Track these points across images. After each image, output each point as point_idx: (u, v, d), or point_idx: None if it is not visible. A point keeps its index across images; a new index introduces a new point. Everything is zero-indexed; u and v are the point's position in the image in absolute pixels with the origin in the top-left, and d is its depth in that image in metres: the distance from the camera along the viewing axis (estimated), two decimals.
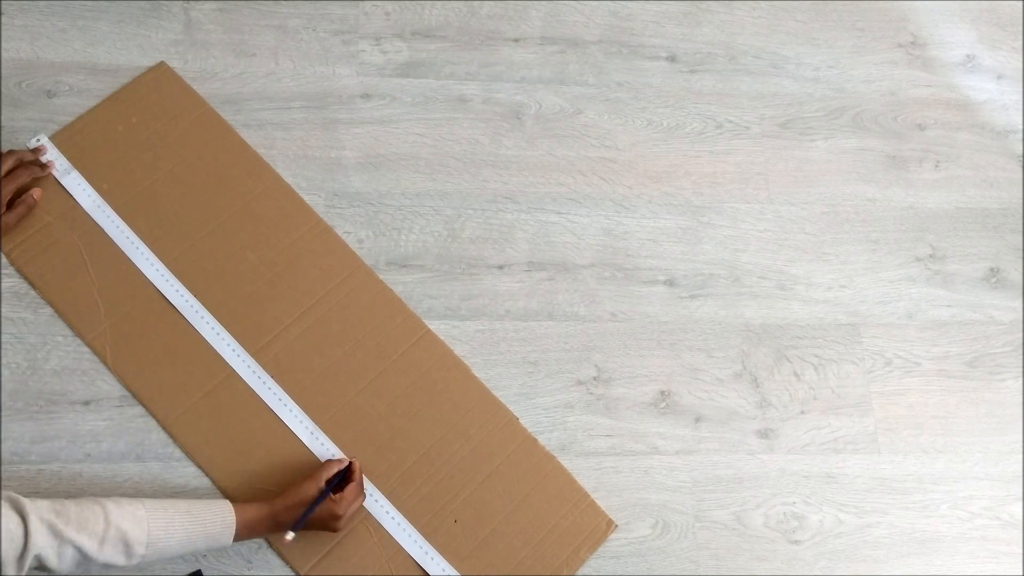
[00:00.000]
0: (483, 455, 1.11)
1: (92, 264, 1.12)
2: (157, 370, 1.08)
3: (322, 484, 0.99)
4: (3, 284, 1.11)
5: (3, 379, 1.07)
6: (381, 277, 1.18)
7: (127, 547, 0.86)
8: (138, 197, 1.15)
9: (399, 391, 1.12)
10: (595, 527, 1.10)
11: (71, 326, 1.09)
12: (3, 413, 1.06)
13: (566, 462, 1.14)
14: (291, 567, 1.04)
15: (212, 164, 1.18)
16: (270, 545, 1.04)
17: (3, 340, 1.08)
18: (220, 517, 0.93)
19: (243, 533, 0.95)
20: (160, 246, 1.14)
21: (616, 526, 1.11)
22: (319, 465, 1.04)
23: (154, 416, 1.07)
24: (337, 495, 0.99)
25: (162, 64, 1.22)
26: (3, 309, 1.10)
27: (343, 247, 1.18)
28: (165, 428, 1.07)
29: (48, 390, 1.07)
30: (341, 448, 1.08)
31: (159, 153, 1.18)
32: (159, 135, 1.19)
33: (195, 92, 1.21)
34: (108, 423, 1.07)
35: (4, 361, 1.08)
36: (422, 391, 1.12)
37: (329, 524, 0.99)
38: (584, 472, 1.13)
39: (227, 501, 0.96)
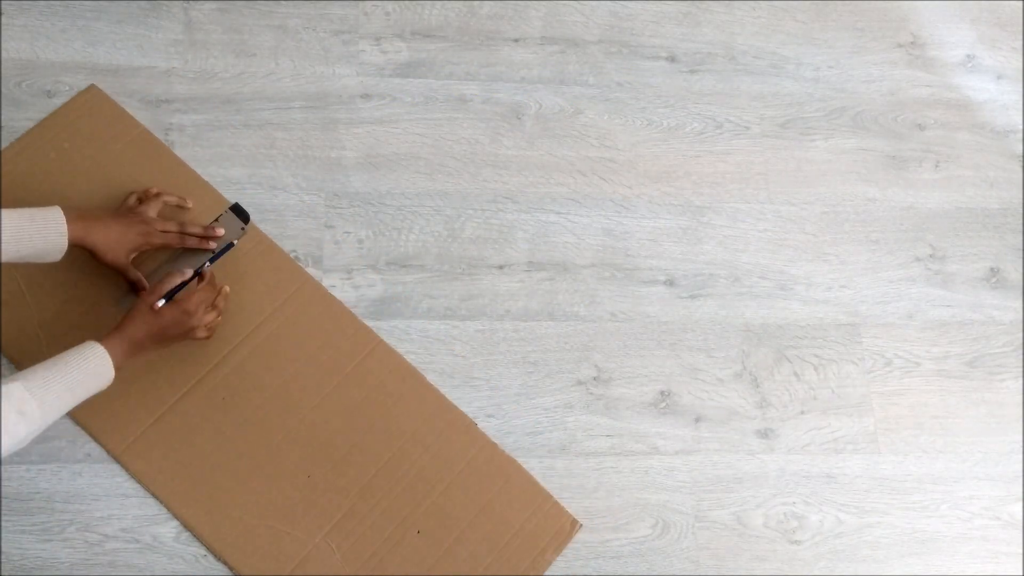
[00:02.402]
0: (443, 463, 1.10)
1: (31, 295, 1.09)
2: (104, 398, 1.03)
3: (162, 292, 1.01)
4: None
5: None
6: (384, 275, 1.18)
7: (21, 416, 0.87)
8: None
9: (354, 404, 1.11)
10: (560, 528, 1.10)
11: (11, 360, 1.06)
12: None
13: (566, 462, 1.14)
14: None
15: (149, 185, 1.15)
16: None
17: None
18: (91, 353, 0.94)
19: (119, 357, 0.97)
20: (101, 272, 1.08)
21: (580, 526, 1.10)
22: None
23: (104, 447, 1.05)
24: (185, 298, 1.02)
25: (92, 87, 1.20)
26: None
27: (289, 262, 1.16)
28: (116, 459, 1.05)
29: None
30: (299, 466, 1.08)
31: (94, 177, 1.15)
32: (93, 159, 1.16)
33: (128, 114, 1.19)
34: None
35: (4, 361, 1.08)
36: (377, 403, 1.11)
37: (184, 324, 1.01)
38: (584, 472, 1.13)
39: (91, 341, 0.96)
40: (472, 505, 1.09)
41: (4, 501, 1.03)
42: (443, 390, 1.14)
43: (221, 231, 1.12)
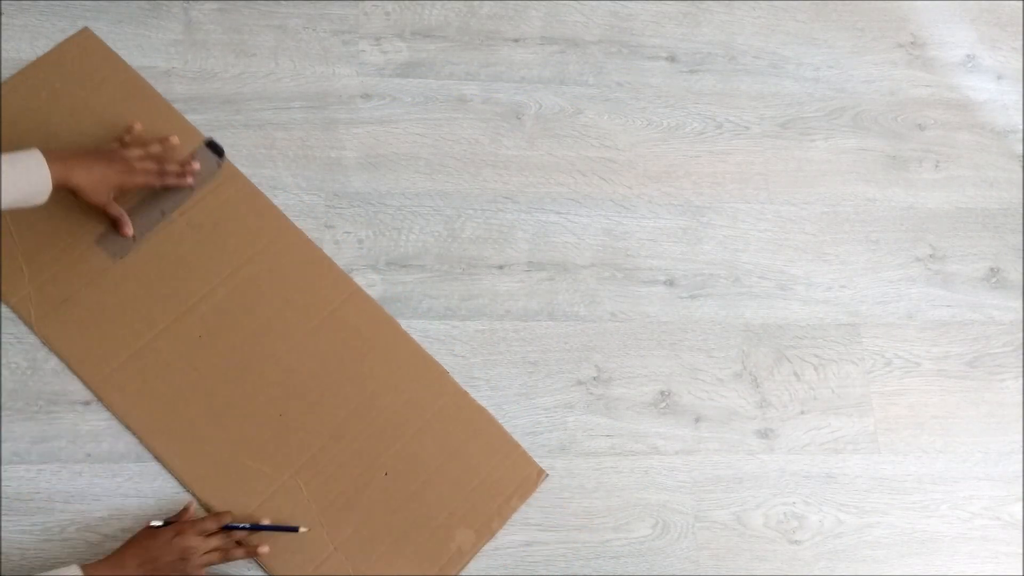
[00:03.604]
0: (414, 408, 1.11)
1: (16, 228, 1.11)
2: (83, 332, 1.08)
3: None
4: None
5: (3, 379, 1.07)
6: (384, 275, 1.18)
7: None
8: None
9: (329, 348, 1.12)
10: (526, 477, 1.11)
11: None
12: (3, 413, 1.06)
13: (566, 462, 1.14)
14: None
15: (131, 123, 1.18)
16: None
17: (3, 340, 1.08)
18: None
19: None
20: (85, 210, 1.11)
21: (547, 475, 1.11)
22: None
23: (80, 377, 1.07)
24: (184, 522, 0.98)
25: (85, 30, 1.22)
26: (2, 309, 1.10)
27: (272, 209, 1.18)
28: (92, 389, 1.07)
29: (48, 390, 1.07)
30: (267, 404, 1.09)
31: (83, 118, 1.18)
32: (83, 101, 1.18)
33: (119, 58, 1.21)
34: (108, 423, 1.07)
35: (4, 361, 1.08)
36: (352, 348, 1.13)
37: (175, 550, 0.96)
38: (584, 472, 1.13)
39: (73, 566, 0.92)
40: (441, 451, 1.10)
41: (4, 501, 1.03)
42: None
43: (197, 165, 1.15)
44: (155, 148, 1.13)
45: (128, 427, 1.06)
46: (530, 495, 1.10)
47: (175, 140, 1.16)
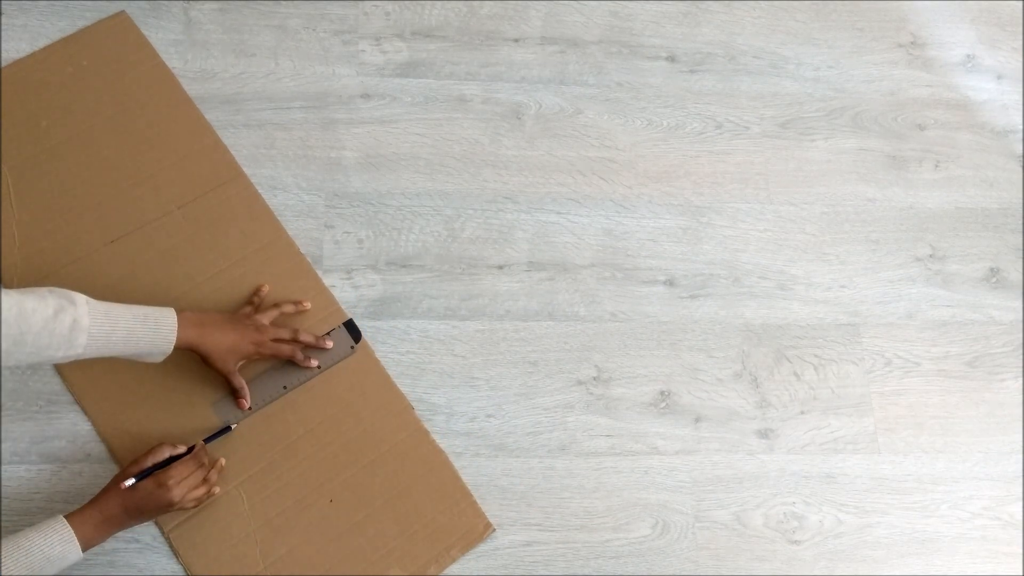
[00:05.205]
0: (372, 439, 1.10)
1: (16, 195, 1.13)
2: None
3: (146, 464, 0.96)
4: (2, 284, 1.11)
5: (3, 379, 1.07)
6: (384, 275, 1.18)
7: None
8: (75, 138, 1.17)
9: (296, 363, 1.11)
10: (472, 527, 1.08)
11: None
12: (3, 413, 1.06)
13: (566, 462, 1.14)
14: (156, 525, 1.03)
15: (154, 116, 1.20)
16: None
17: None
18: (53, 532, 0.89)
19: (89, 533, 0.92)
20: (88, 189, 1.15)
21: (494, 529, 1.09)
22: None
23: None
24: (163, 472, 0.96)
25: (122, 13, 1.24)
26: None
27: (269, 215, 1.18)
28: (58, 372, 1.07)
29: (48, 390, 1.07)
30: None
31: (103, 98, 1.20)
32: (107, 81, 1.20)
33: (150, 45, 1.23)
34: None
35: None
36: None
37: (161, 499, 0.95)
38: (584, 472, 1.13)
39: (58, 517, 0.91)
40: (390, 487, 1.08)
41: (4, 501, 1.03)
42: (443, 390, 1.14)
43: (330, 344, 1.11)
44: (288, 308, 1.10)
45: (84, 410, 1.06)
46: (473, 547, 1.08)
47: (307, 305, 1.12)
